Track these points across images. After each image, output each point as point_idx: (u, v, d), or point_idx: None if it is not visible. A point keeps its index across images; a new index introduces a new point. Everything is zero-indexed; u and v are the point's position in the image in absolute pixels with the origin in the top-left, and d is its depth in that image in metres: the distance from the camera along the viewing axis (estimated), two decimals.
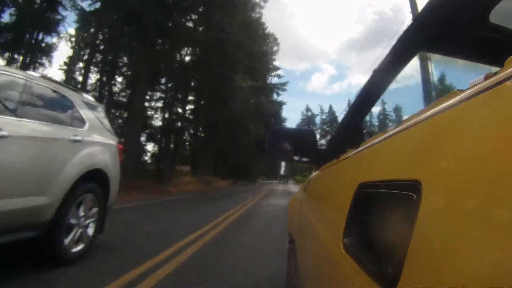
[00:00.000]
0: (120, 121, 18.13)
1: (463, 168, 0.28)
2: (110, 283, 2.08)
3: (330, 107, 65.35)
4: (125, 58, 16.89)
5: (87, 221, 2.67)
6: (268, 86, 33.96)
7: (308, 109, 69.31)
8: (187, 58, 18.49)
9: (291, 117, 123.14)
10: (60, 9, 13.73)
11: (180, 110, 20.57)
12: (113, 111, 17.52)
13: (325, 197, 0.92)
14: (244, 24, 16.87)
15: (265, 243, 3.89)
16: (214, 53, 15.40)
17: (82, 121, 2.80)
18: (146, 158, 21.21)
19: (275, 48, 33.22)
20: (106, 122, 3.24)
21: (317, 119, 67.38)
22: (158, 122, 19.62)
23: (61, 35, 15.37)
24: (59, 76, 19.48)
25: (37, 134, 2.20)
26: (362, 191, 0.52)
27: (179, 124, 19.91)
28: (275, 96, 39.31)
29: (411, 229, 0.31)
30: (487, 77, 0.31)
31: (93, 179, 2.68)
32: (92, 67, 16.62)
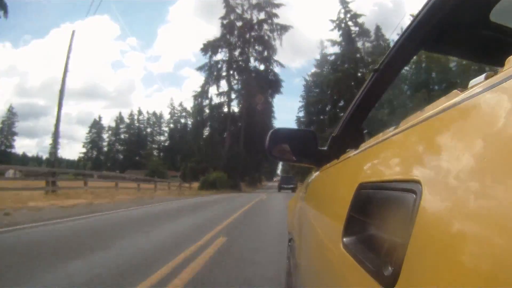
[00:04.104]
0: None
1: (463, 168, 0.28)
2: None
3: (378, 29, 29.47)
4: None
5: None
6: None
7: (347, 10, 29.56)
8: None
9: (285, 118, 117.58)
10: None
11: None
12: None
13: (325, 197, 0.92)
14: None
15: None
16: None
17: None
18: None
19: None
20: None
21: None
22: None
23: None
24: None
25: None
26: (362, 191, 0.52)
27: None
28: None
29: (410, 229, 0.31)
30: (487, 77, 0.31)
31: None
32: None
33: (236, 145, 32.29)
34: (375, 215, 0.46)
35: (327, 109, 31.85)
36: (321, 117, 32.58)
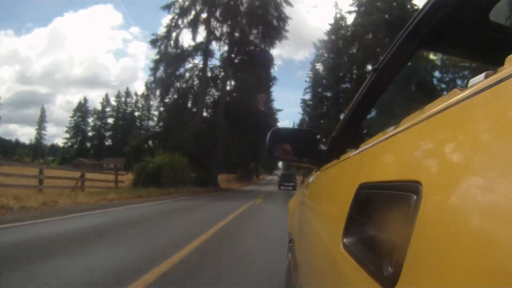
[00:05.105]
0: None
1: (463, 168, 0.28)
2: None
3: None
4: None
5: None
6: None
7: None
8: None
9: (289, 111, 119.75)
10: None
11: None
12: None
13: (325, 197, 0.92)
14: None
15: None
16: None
17: None
18: None
19: None
20: None
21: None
22: None
23: None
24: None
25: None
26: (362, 192, 0.52)
27: None
28: None
29: (411, 229, 0.31)
30: (487, 76, 0.31)
31: None
32: None
33: (213, 117, 20.76)
34: (375, 216, 0.46)
35: (346, 78, 24.86)
36: (342, 86, 24.82)
